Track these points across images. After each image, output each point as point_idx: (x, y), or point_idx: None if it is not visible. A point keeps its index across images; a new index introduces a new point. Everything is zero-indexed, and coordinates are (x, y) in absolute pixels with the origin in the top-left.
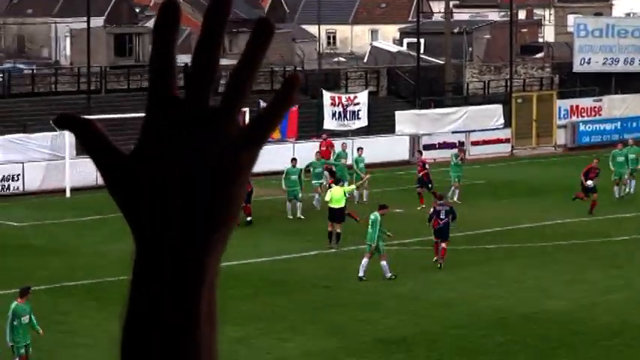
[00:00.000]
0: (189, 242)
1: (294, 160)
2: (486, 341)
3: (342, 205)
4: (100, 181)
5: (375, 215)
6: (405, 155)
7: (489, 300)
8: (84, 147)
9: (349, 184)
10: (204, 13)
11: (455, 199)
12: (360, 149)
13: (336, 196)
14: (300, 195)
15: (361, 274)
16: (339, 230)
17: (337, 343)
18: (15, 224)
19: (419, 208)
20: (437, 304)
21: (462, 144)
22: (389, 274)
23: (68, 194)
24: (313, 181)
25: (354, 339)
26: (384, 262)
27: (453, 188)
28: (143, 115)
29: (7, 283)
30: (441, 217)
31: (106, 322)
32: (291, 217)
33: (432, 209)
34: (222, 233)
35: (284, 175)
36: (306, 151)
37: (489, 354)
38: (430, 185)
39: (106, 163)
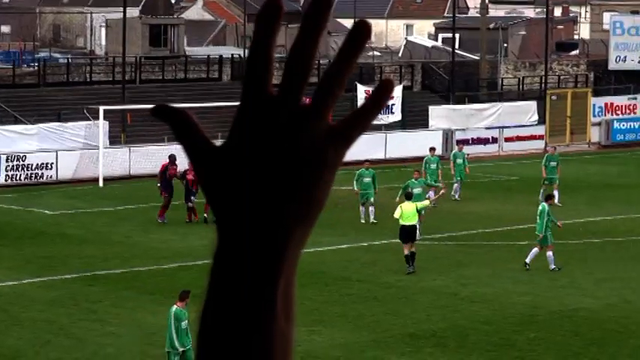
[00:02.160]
0: (270, 234)
1: (366, 161)
2: (517, 337)
3: (415, 222)
4: (133, 171)
5: (543, 205)
6: (438, 150)
7: (521, 296)
8: (177, 137)
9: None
10: (304, 13)
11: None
12: (460, 144)
13: (407, 212)
14: (372, 199)
15: (527, 260)
16: (413, 249)
17: (367, 337)
18: (48, 212)
19: None
20: (468, 300)
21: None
22: (553, 266)
23: (101, 184)
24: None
25: (384, 332)
26: (549, 253)
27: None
28: (237, 106)
29: (40, 270)
30: None
31: (137, 312)
32: (363, 221)
33: None
34: (303, 230)
35: (356, 177)
36: None
37: (520, 350)
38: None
39: (197, 154)
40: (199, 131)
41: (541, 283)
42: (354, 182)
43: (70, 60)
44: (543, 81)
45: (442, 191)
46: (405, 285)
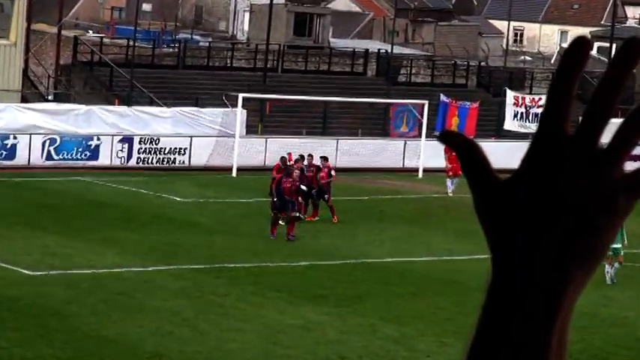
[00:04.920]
0: (550, 277)
1: None
2: None
3: None
4: (268, 162)
5: None
6: None
7: None
8: (463, 166)
9: None
10: (616, 53)
11: None
12: None
13: None
14: None
15: (608, 281)
16: None
17: None
18: (178, 199)
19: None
20: (608, 322)
21: None
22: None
23: (234, 173)
24: None
25: None
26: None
27: None
28: (531, 139)
29: (167, 258)
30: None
31: (263, 309)
32: None
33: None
34: (583, 275)
35: None
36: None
37: None
38: (327, 196)
39: (481, 186)
40: (487, 164)
41: None
42: None
43: (211, 44)
44: None
45: None
46: None
